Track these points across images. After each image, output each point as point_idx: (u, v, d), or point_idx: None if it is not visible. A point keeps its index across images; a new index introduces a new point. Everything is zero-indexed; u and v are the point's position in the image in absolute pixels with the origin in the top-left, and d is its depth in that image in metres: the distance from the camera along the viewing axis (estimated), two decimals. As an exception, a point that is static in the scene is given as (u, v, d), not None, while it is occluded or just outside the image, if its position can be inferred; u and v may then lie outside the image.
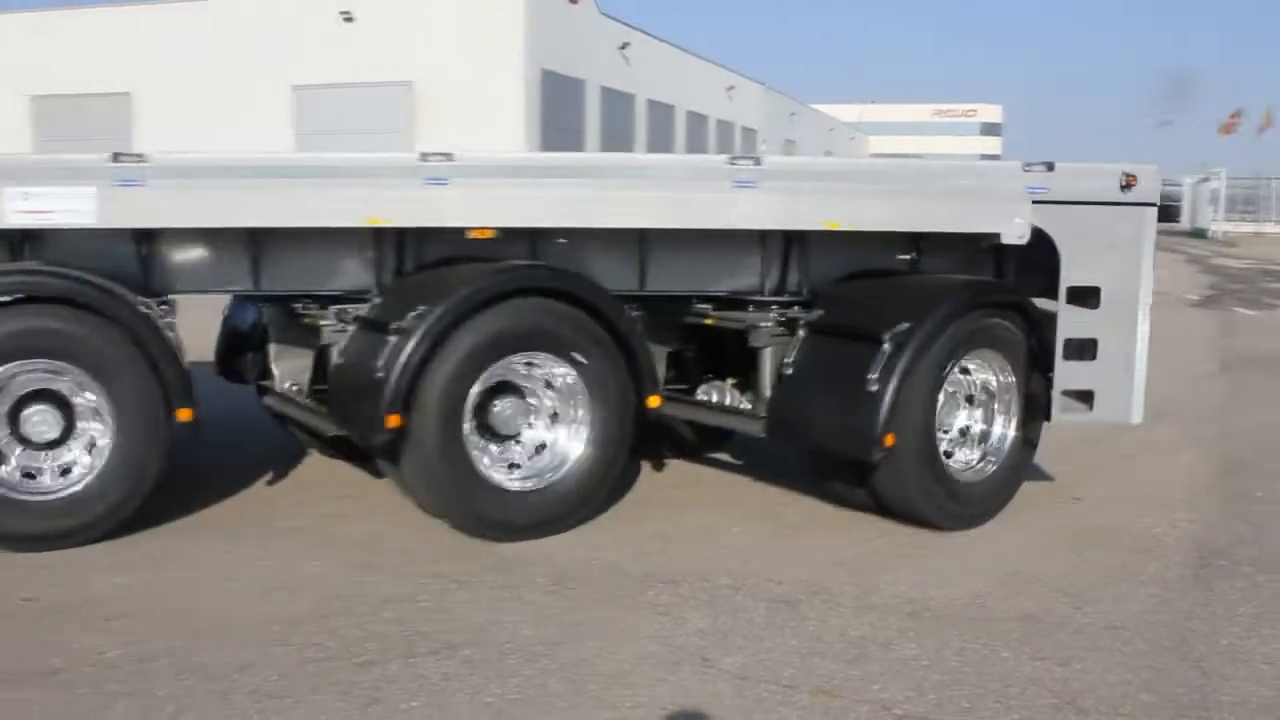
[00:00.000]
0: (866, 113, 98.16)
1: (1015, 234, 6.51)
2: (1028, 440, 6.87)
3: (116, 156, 5.84)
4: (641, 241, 6.74)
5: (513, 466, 6.35)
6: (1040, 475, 7.47)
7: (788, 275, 6.90)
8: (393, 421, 5.83)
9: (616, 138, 43.62)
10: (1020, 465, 6.90)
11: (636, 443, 6.64)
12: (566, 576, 5.70)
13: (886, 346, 6.08)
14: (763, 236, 6.78)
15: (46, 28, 42.83)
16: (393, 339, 5.89)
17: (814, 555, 6.11)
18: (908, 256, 7.02)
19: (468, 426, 6.14)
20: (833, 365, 6.39)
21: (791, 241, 6.82)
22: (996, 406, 6.78)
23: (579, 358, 6.27)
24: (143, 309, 5.93)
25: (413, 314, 5.88)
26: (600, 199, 6.31)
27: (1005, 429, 6.78)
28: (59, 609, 5.22)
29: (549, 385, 6.37)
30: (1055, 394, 6.65)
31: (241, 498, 6.96)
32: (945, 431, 6.65)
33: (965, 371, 6.68)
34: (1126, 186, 6.58)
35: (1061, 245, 6.52)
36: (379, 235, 6.45)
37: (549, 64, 39.33)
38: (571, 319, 6.28)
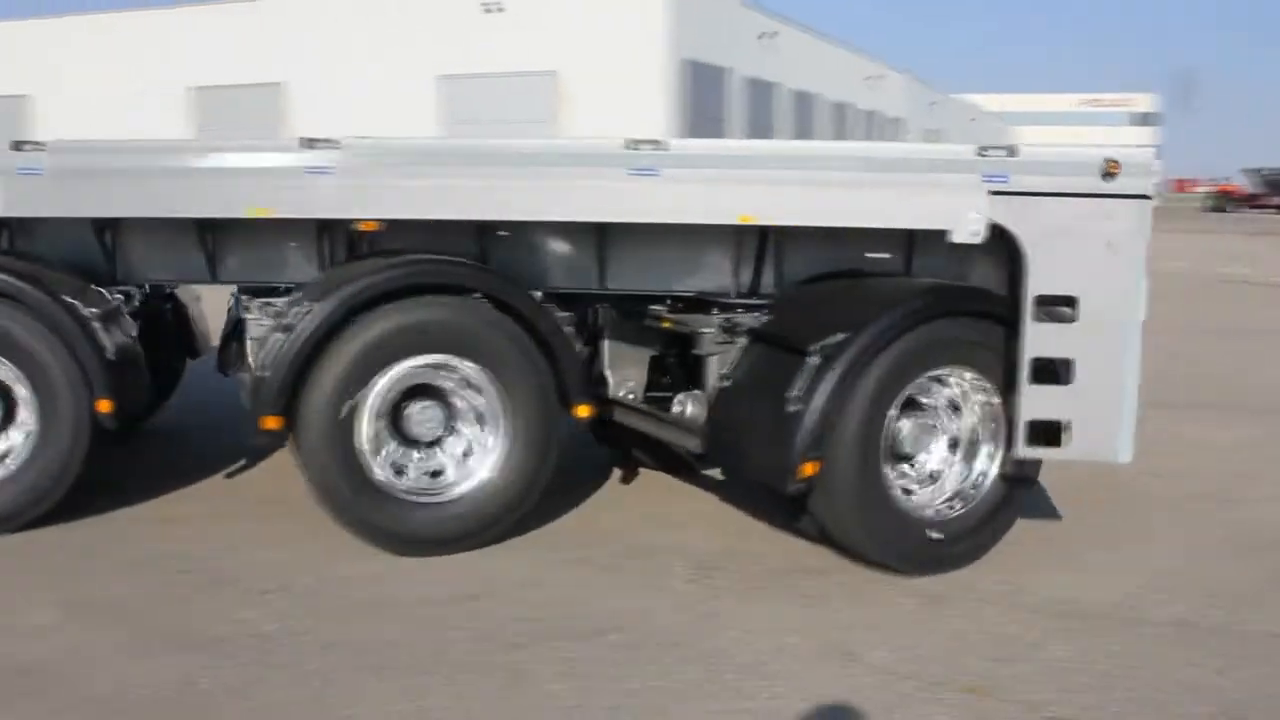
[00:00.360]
0: (1010, 102, 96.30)
1: (968, 231, 5.48)
2: (1019, 475, 5.80)
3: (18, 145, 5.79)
4: (600, 235, 6.07)
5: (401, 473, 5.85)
6: (1048, 513, 6.50)
7: (762, 275, 6.13)
8: None
9: (759, 127, 43.43)
10: (1006, 504, 5.82)
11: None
12: (708, 565, 5.71)
13: (812, 360, 5.33)
14: (736, 230, 5.98)
15: (202, 21, 44.13)
16: None
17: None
18: (896, 255, 6.09)
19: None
20: (761, 380, 5.65)
21: (767, 236, 6.04)
22: (972, 435, 5.81)
23: (482, 363, 5.76)
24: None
25: None
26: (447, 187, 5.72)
27: (986, 462, 5.78)
28: (218, 581, 5.41)
29: (469, 385, 5.86)
30: (1020, 423, 5.53)
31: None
32: (905, 461, 5.76)
33: (928, 393, 5.73)
34: (1108, 175, 5.42)
35: (1027, 245, 5.43)
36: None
37: (692, 53, 39.31)
38: (491, 320, 5.76)
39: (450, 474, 5.87)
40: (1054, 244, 5.41)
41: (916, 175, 5.60)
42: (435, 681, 4.40)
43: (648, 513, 6.56)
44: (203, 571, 5.53)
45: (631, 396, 6.42)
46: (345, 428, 5.59)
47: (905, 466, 5.74)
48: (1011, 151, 5.52)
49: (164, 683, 4.37)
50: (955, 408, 5.78)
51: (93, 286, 6.08)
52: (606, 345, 6.46)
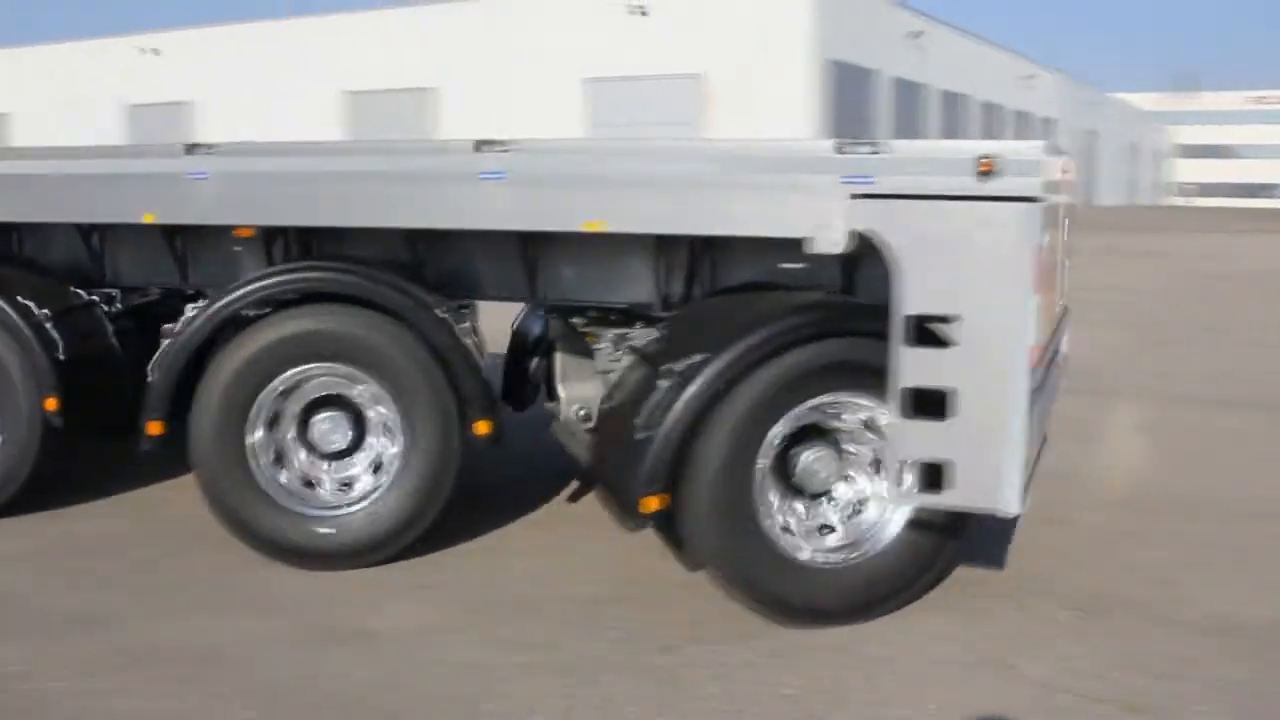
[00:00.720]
0: (1171, 102, 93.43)
1: (828, 241, 4.70)
2: (932, 523, 5.02)
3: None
4: (524, 244, 5.66)
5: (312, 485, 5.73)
6: (990, 562, 5.57)
7: (693, 286, 5.57)
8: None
9: (907, 130, 42.92)
10: (918, 552, 5.09)
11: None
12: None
13: (664, 383, 4.87)
14: (659, 239, 5.46)
15: (355, 28, 45.19)
16: None
17: (1118, 564, 5.83)
18: (832, 267, 5.26)
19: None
20: (625, 402, 5.14)
21: (695, 244, 5.46)
22: (869, 471, 5.15)
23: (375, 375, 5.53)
24: None
25: None
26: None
27: (880, 506, 5.13)
28: (380, 573, 5.54)
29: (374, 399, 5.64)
30: (890, 464, 4.79)
31: (544, 485, 7.18)
32: (787, 501, 5.12)
33: (819, 424, 5.08)
34: (983, 174, 4.47)
35: (897, 256, 4.56)
36: None
37: (838, 54, 39.03)
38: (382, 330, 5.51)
39: (356, 487, 5.72)
40: (928, 255, 4.53)
41: (769, 176, 4.91)
42: (585, 682, 4.44)
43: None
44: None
45: (583, 411, 5.94)
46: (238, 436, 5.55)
47: (799, 505, 5.14)
48: (876, 148, 4.70)
49: (322, 674, 4.51)
50: (853, 440, 5.17)
51: (69, 287, 6.33)
52: (558, 359, 6.09)
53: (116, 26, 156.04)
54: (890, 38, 43.30)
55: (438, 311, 5.51)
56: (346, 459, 5.72)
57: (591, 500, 6.69)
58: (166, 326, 5.76)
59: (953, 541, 5.11)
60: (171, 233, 6.12)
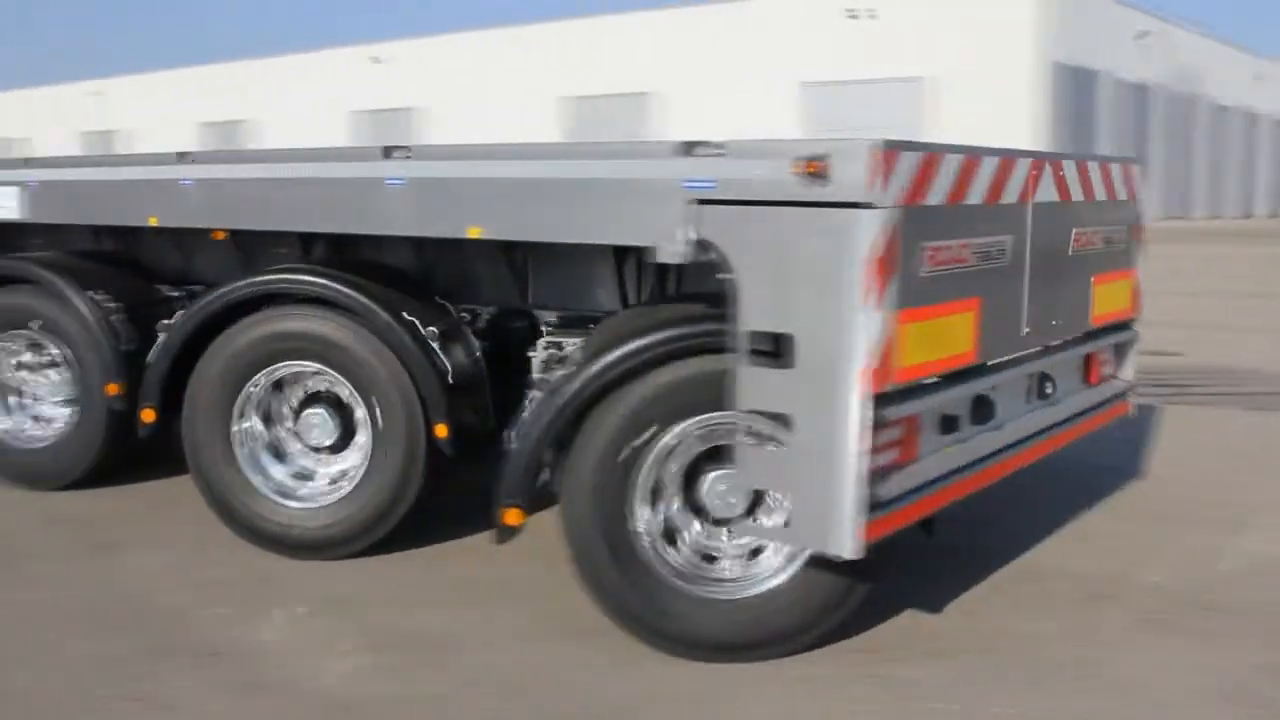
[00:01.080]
0: None
1: (673, 250, 4.28)
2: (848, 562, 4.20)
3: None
4: (510, 250, 5.59)
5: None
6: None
7: (665, 289, 5.42)
8: None
9: (1133, 133, 41.41)
10: (819, 591, 4.55)
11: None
12: (1100, 593, 5.40)
13: (536, 393, 4.92)
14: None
15: (574, 35, 45.89)
16: None
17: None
18: None
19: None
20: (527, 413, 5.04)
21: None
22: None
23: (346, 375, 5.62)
24: None
25: None
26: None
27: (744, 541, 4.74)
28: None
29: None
30: (742, 493, 4.52)
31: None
32: (719, 524, 4.74)
33: (670, 450, 4.64)
34: (811, 177, 3.95)
35: (736, 267, 4.15)
36: None
37: (1063, 56, 37.90)
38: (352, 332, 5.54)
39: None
40: (765, 266, 4.10)
41: (616, 179, 4.55)
42: (807, 692, 4.38)
43: (1033, 532, 6.31)
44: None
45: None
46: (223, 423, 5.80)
47: (693, 529, 4.76)
48: (722, 149, 4.26)
49: (562, 665, 4.58)
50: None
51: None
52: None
53: (345, 37, 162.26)
54: (1116, 38, 41.79)
55: (404, 314, 5.46)
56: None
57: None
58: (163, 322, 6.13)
59: (862, 584, 4.56)
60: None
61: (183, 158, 6.04)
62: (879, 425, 3.99)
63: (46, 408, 7.01)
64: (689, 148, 4.31)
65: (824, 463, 3.98)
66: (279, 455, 5.92)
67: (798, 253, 4.01)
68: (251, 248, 6.31)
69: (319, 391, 5.86)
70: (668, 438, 4.57)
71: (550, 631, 4.90)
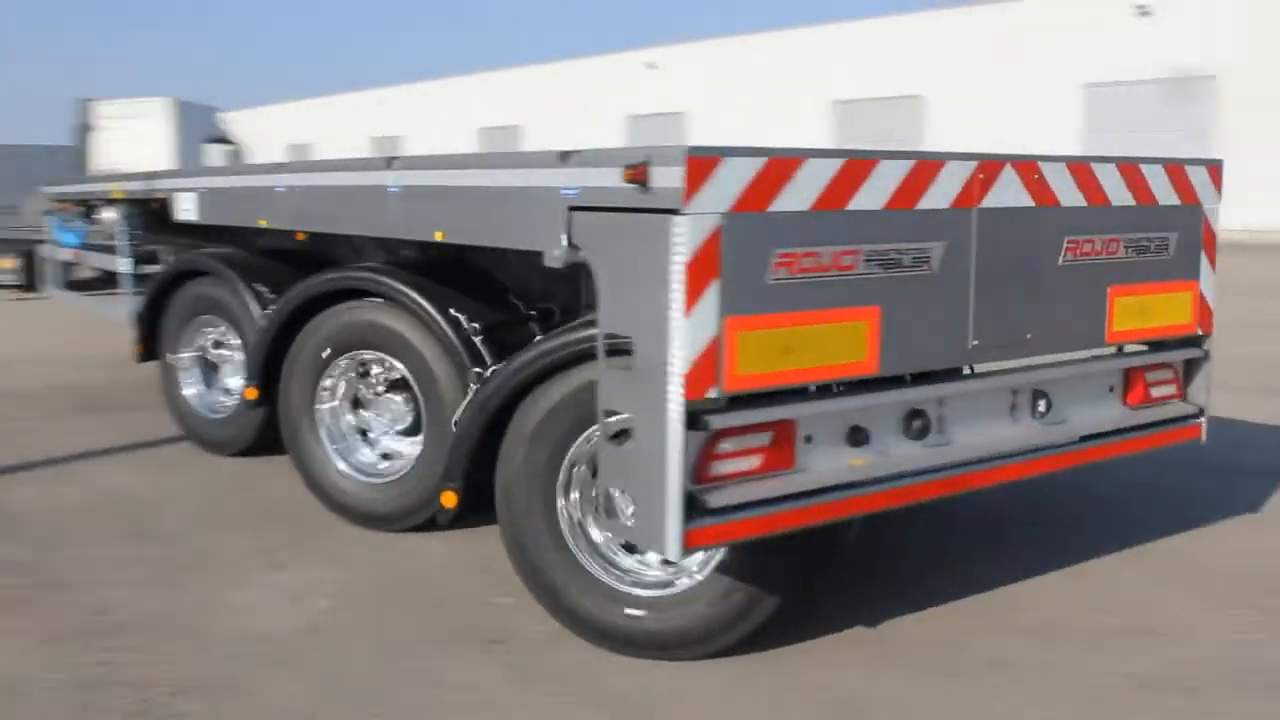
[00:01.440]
0: None
1: (552, 255, 4.44)
2: (755, 572, 4.51)
3: None
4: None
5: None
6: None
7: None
8: None
9: None
10: (729, 599, 4.54)
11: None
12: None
13: (472, 386, 5.30)
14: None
15: (844, 38, 45.11)
16: None
17: None
18: None
19: None
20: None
21: None
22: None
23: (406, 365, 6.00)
24: None
25: None
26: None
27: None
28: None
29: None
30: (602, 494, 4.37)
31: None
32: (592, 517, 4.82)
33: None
34: (635, 183, 3.99)
35: (596, 272, 4.29)
36: None
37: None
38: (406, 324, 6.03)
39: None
40: (613, 270, 4.23)
41: (512, 186, 4.82)
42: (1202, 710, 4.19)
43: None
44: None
45: None
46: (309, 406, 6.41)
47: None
48: (582, 156, 4.38)
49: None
50: None
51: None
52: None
53: (619, 43, 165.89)
54: None
55: (451, 310, 5.75)
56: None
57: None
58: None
59: (770, 597, 4.53)
60: None
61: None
62: (713, 432, 3.97)
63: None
64: (565, 157, 4.46)
65: (649, 464, 4.01)
66: None
67: (634, 258, 4.10)
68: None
69: None
70: (580, 439, 4.74)
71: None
